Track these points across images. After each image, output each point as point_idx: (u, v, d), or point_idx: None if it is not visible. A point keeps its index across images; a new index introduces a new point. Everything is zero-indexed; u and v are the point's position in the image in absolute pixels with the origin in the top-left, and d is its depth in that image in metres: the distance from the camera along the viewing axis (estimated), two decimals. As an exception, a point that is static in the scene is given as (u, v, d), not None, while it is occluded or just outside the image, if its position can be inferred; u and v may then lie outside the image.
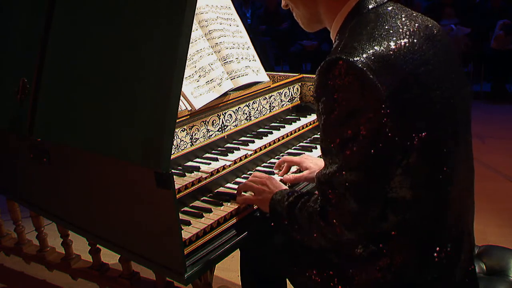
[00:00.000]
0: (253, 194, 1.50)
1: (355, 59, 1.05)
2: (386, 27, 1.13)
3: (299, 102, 2.30)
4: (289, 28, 7.26)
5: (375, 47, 1.08)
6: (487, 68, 6.19)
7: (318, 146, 1.98)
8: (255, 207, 1.54)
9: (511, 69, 6.11)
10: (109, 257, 2.19)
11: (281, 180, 1.64)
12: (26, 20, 1.88)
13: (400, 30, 1.13)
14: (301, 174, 1.68)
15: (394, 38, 1.11)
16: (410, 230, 1.20)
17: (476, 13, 6.61)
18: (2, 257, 2.79)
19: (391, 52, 1.08)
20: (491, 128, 4.81)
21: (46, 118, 1.69)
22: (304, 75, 2.30)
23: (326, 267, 1.32)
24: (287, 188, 1.46)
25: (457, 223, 1.25)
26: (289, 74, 2.32)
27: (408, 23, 1.16)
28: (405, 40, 1.12)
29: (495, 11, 6.39)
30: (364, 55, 1.06)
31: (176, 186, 1.44)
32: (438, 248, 1.21)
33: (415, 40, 1.13)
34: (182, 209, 1.51)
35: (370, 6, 1.19)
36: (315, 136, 2.15)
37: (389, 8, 1.19)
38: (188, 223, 1.41)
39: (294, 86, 2.25)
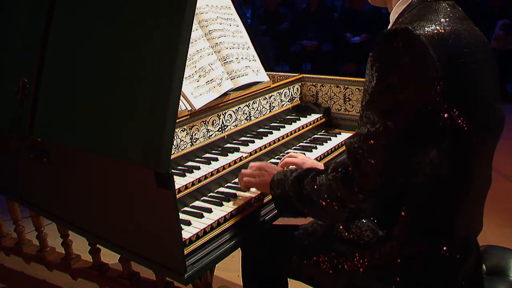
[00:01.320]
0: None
1: (420, 32, 1.10)
2: (450, 15, 1.20)
3: (299, 102, 2.30)
4: (289, 28, 7.26)
5: (439, 29, 1.14)
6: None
7: (318, 146, 1.98)
8: (254, 207, 1.54)
9: (511, 69, 6.11)
10: (109, 257, 2.19)
11: None
12: (26, 20, 1.88)
13: (460, 26, 1.20)
14: None
15: (455, 28, 1.17)
16: (422, 221, 1.22)
17: (476, 13, 6.61)
18: (2, 257, 2.79)
19: (452, 39, 1.15)
20: (491, 128, 4.80)
21: (46, 118, 1.69)
22: (304, 75, 2.31)
23: (334, 255, 1.35)
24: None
25: (467, 224, 1.27)
26: (289, 74, 2.32)
27: (466, 24, 1.23)
28: (464, 35, 1.18)
29: (495, 11, 6.40)
30: (428, 31, 1.11)
31: (176, 186, 1.44)
32: (446, 243, 1.23)
33: (472, 39, 1.20)
34: (182, 209, 1.51)
35: None
36: (315, 136, 2.15)
37: (450, 5, 1.25)
38: (188, 223, 1.41)
39: (294, 86, 2.25)
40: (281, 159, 1.74)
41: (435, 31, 1.13)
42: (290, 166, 1.72)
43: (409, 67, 1.10)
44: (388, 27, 1.31)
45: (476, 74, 1.17)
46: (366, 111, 1.18)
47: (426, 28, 1.12)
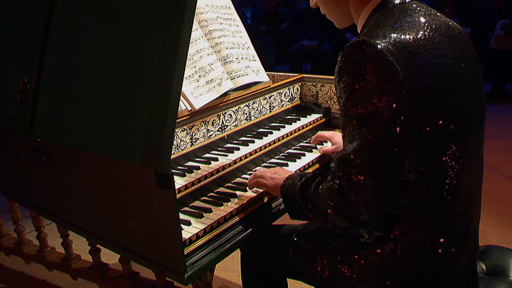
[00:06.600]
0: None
1: (377, 42, 1.12)
2: (409, 20, 1.21)
3: (299, 102, 2.30)
4: (289, 28, 7.26)
5: (396, 35, 1.15)
6: (487, 68, 6.19)
7: (319, 146, 1.98)
8: (255, 207, 1.54)
9: (511, 69, 6.11)
10: (109, 257, 2.19)
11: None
12: (26, 20, 1.88)
13: (422, 25, 1.21)
14: (330, 147, 1.86)
15: (415, 30, 1.18)
16: (417, 219, 1.22)
17: (476, 13, 6.61)
18: (2, 257, 2.79)
19: (411, 41, 1.15)
20: (491, 128, 4.79)
21: (46, 118, 1.69)
22: (304, 75, 2.30)
23: (332, 255, 1.35)
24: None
25: (462, 218, 1.27)
26: (289, 74, 2.32)
27: (430, 20, 1.23)
28: (426, 33, 1.19)
29: (495, 11, 6.40)
30: (385, 40, 1.13)
31: (176, 186, 1.44)
32: (443, 240, 1.23)
33: (435, 35, 1.20)
34: (182, 209, 1.51)
35: (396, 2, 1.27)
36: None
37: (414, 5, 1.27)
38: (188, 223, 1.41)
39: (294, 86, 2.25)
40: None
41: (393, 37, 1.14)
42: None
43: (371, 77, 1.12)
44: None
45: (444, 69, 1.18)
46: (343, 125, 1.21)
47: (383, 35, 1.14)
